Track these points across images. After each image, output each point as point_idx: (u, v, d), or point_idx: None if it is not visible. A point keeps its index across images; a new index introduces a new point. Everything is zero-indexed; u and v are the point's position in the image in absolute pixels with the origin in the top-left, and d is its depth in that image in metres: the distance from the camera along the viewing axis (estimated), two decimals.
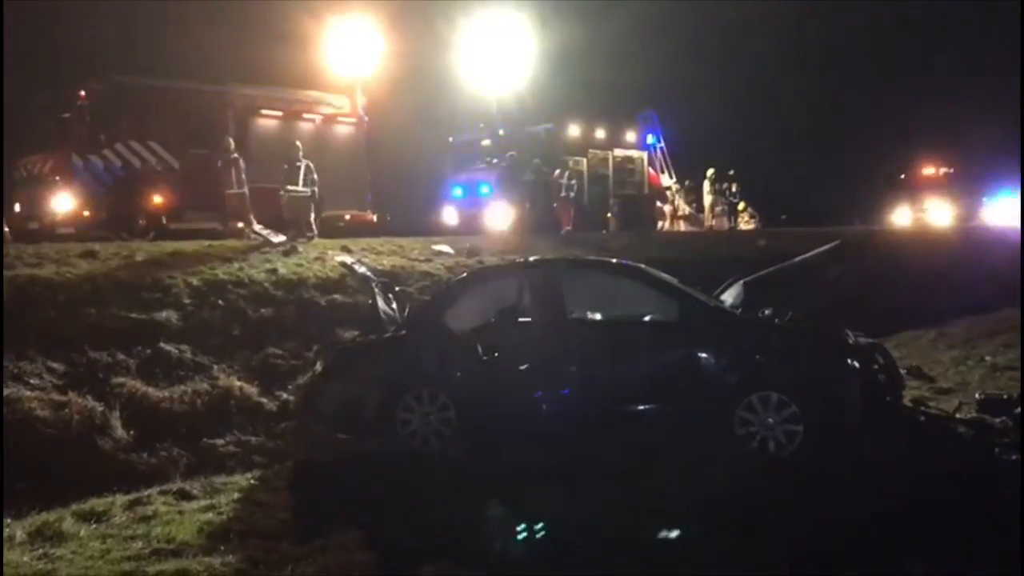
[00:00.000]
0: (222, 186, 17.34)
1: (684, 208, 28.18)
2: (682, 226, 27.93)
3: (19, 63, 23.09)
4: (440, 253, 15.84)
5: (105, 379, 9.91)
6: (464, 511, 6.85)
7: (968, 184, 33.87)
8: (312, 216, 16.91)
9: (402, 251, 15.59)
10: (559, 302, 8.61)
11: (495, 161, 25.12)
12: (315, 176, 16.93)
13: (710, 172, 27.21)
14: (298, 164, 16.80)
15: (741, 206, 27.75)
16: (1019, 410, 8.74)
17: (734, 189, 27.53)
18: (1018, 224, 22.98)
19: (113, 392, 9.72)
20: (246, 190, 17.37)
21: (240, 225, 17.20)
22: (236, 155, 17.43)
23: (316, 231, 16.72)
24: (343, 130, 22.15)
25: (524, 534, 6.61)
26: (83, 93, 18.00)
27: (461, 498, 7.09)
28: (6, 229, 15.34)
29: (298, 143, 17.47)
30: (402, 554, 6.09)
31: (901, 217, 33.26)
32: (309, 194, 16.85)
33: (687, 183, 28.63)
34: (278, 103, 21.03)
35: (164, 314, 11.16)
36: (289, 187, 16.76)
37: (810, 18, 46.95)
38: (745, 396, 7.95)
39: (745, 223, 27.58)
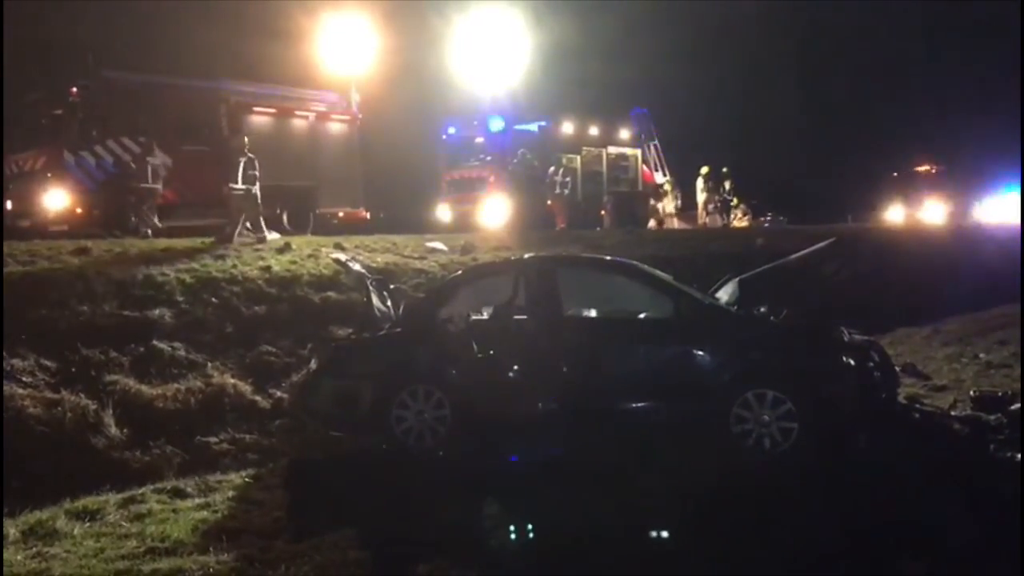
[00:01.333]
0: (138, 181, 16.97)
1: (668, 206, 28.23)
2: (675, 223, 27.96)
3: (11, 59, 22.97)
4: (434, 250, 15.81)
5: (98, 377, 9.88)
6: (458, 509, 6.83)
7: (962, 182, 33.92)
8: (243, 217, 15.82)
9: (396, 248, 15.56)
10: (554, 299, 8.60)
11: (488, 159, 25.08)
12: (256, 172, 16.01)
13: (704, 170, 27.24)
14: (240, 159, 16.03)
15: (734, 202, 27.78)
16: (1016, 407, 8.75)
17: (727, 187, 27.59)
18: (1011, 221, 23.06)
19: (106, 390, 9.68)
20: (159, 187, 17.08)
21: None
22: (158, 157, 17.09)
23: (237, 236, 15.46)
24: (337, 127, 22.10)
25: (518, 533, 6.60)
26: (75, 89, 17.91)
27: (455, 496, 7.08)
28: None
29: (245, 137, 16.68)
30: (396, 552, 6.08)
31: (894, 215, 33.32)
32: (244, 192, 15.89)
33: (668, 179, 28.66)
34: (272, 100, 20.98)
35: (157, 311, 11.12)
36: (231, 184, 16.01)
37: (804, 16, 46.99)
38: (741, 393, 7.95)
39: (738, 220, 27.61)
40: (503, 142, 24.67)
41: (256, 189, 15.99)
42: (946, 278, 15.79)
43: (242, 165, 15.97)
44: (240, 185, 15.92)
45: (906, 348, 13.04)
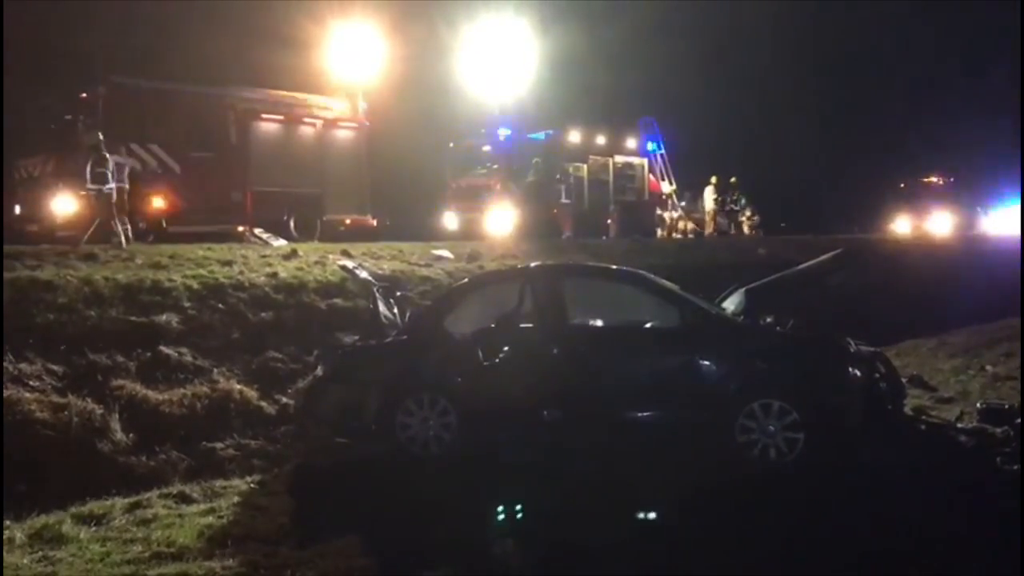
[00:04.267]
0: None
1: (668, 216, 28.40)
2: (687, 226, 28.15)
3: (20, 64, 23.07)
4: (440, 258, 15.85)
5: (105, 382, 9.90)
6: (463, 516, 6.84)
7: (969, 193, 33.86)
8: (107, 217, 15.27)
9: (402, 256, 15.59)
10: (560, 308, 8.60)
11: (495, 167, 25.16)
12: (105, 171, 15.30)
13: (714, 179, 27.28)
14: (90, 157, 15.31)
15: (743, 209, 27.80)
16: (1020, 420, 8.73)
17: (735, 196, 27.63)
18: (1018, 232, 23.02)
19: (113, 395, 9.70)
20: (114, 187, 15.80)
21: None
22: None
23: (121, 235, 15.07)
24: (344, 134, 22.16)
25: (523, 540, 6.60)
26: (84, 95, 17.98)
27: (460, 503, 7.08)
28: None
29: (100, 134, 15.74)
30: (402, 559, 6.09)
31: (901, 226, 33.26)
32: (96, 192, 15.28)
33: (673, 189, 28.78)
34: (279, 107, 21.04)
35: (164, 317, 11.14)
36: (87, 185, 15.34)
37: (812, 26, 46.99)
38: (747, 404, 7.94)
39: (746, 222, 27.62)
40: (510, 150, 24.75)
41: (107, 189, 15.42)
42: (953, 289, 15.77)
43: (90, 164, 15.28)
44: (92, 185, 15.34)
45: (912, 360, 13.01)
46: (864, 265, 9.91)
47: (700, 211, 28.60)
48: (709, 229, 27.55)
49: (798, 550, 6.15)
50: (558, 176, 24.63)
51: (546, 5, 29.72)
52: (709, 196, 27.50)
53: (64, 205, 17.42)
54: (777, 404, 7.88)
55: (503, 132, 25.10)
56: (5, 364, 9.53)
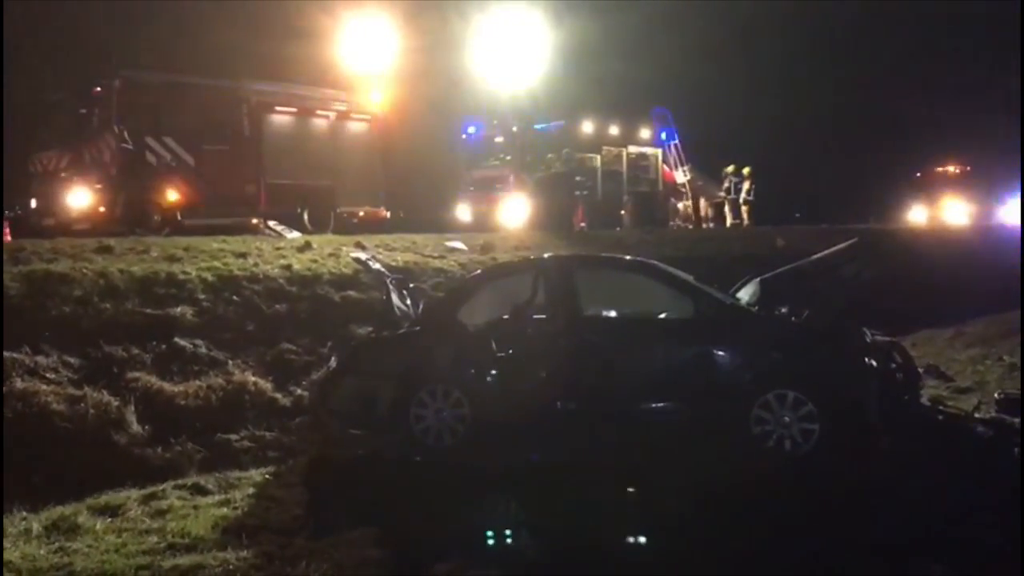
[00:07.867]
0: None
1: (683, 205, 28.25)
2: (708, 214, 28.02)
3: (35, 58, 23.19)
4: (453, 249, 15.83)
5: (120, 374, 9.92)
6: (477, 508, 6.85)
7: (986, 183, 33.55)
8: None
9: (415, 247, 15.58)
10: (574, 299, 8.58)
11: (508, 158, 25.13)
12: None
13: (746, 170, 26.98)
14: None
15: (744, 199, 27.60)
16: (1021, 408, 8.68)
17: (747, 186, 27.41)
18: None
19: (128, 387, 9.73)
20: None
21: None
22: None
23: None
24: (357, 127, 22.17)
25: (537, 532, 6.60)
26: (98, 88, 18.04)
27: (474, 495, 7.09)
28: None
29: None
30: (415, 551, 6.11)
31: (917, 216, 33.00)
32: None
33: (688, 179, 28.63)
34: (293, 99, 21.06)
35: (179, 309, 11.16)
36: None
37: (828, 15, 46.66)
38: (762, 394, 7.91)
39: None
40: (523, 142, 24.73)
41: None
42: (969, 279, 15.65)
43: None
44: None
45: (929, 350, 12.94)
46: (880, 255, 9.79)
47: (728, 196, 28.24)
48: (736, 219, 27.33)
49: (813, 542, 6.13)
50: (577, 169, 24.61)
51: None
52: (745, 187, 27.13)
53: (79, 199, 17.53)
54: (792, 395, 7.85)
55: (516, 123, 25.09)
56: (22, 357, 9.58)
